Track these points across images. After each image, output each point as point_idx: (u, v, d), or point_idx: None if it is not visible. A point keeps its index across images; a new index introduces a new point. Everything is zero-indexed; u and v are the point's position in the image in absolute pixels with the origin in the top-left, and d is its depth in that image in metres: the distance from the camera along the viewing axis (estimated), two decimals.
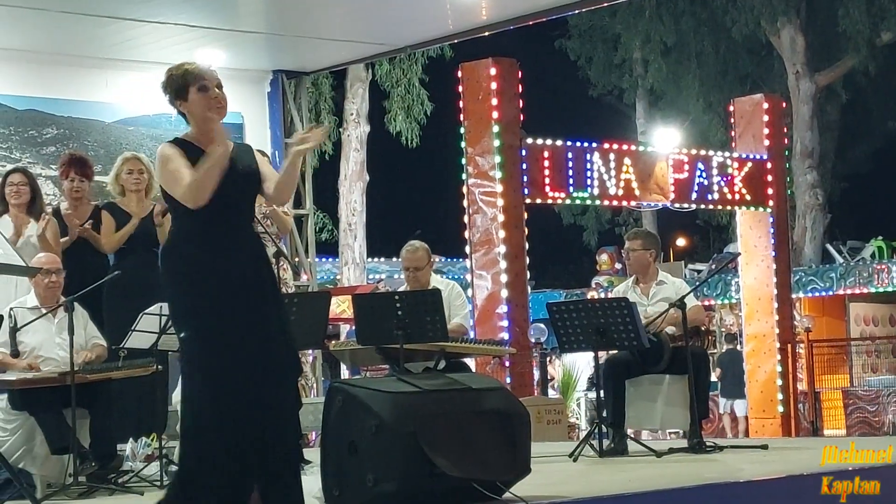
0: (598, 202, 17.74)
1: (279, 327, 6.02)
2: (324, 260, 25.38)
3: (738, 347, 21.30)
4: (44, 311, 8.57)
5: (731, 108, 19.11)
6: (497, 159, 14.93)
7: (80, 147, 13.18)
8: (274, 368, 5.92)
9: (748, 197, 17.94)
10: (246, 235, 6.06)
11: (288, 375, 6.08)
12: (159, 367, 8.49)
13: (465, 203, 15.16)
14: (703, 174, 17.47)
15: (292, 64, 15.13)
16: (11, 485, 7.68)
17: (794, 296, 20.49)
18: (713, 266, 25.78)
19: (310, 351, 14.24)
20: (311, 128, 6.09)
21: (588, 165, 16.14)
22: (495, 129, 14.97)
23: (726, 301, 24.76)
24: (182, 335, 5.97)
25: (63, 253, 9.30)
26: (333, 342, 11.71)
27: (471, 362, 11.23)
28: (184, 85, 6.00)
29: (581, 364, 20.24)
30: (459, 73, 15.45)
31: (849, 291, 24.57)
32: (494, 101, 14.99)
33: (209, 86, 6.00)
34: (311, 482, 6.52)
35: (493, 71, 15.05)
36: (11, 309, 8.54)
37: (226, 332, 5.84)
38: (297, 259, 14.66)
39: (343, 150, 24.48)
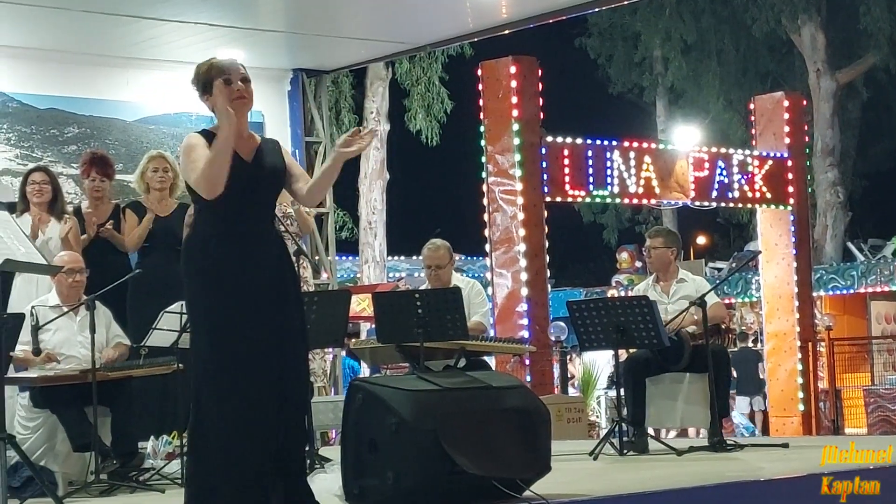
0: (618, 200, 17.72)
1: (299, 327, 6.03)
2: (344, 258, 25.42)
3: (756, 346, 21.28)
4: (65, 309, 8.61)
5: (752, 106, 19.07)
6: (517, 157, 14.92)
7: (101, 146, 13.22)
8: (292, 368, 5.93)
9: (769, 195, 17.90)
10: (268, 233, 6.06)
11: (304, 376, 6.09)
12: (180, 365, 8.51)
13: (485, 201, 15.16)
14: (724, 172, 17.43)
15: (312, 62, 15.15)
16: (33, 482, 7.70)
17: (814, 294, 20.44)
18: (734, 264, 25.74)
19: (329, 349, 14.26)
20: (357, 131, 6.04)
21: (608, 164, 16.12)
22: (515, 127, 14.96)
23: (747, 299, 24.72)
24: (196, 331, 5.99)
25: (84, 252, 9.33)
26: (354, 340, 11.73)
27: (491, 360, 11.24)
28: (209, 79, 6.03)
29: (601, 362, 20.23)
30: (479, 72, 15.44)
31: (870, 289, 24.50)
32: (514, 100, 14.98)
33: (232, 79, 6.01)
34: (332, 480, 6.53)
35: (513, 69, 15.04)
36: (33, 307, 8.57)
37: (244, 331, 5.84)
38: (317, 257, 14.68)
39: None
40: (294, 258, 9.93)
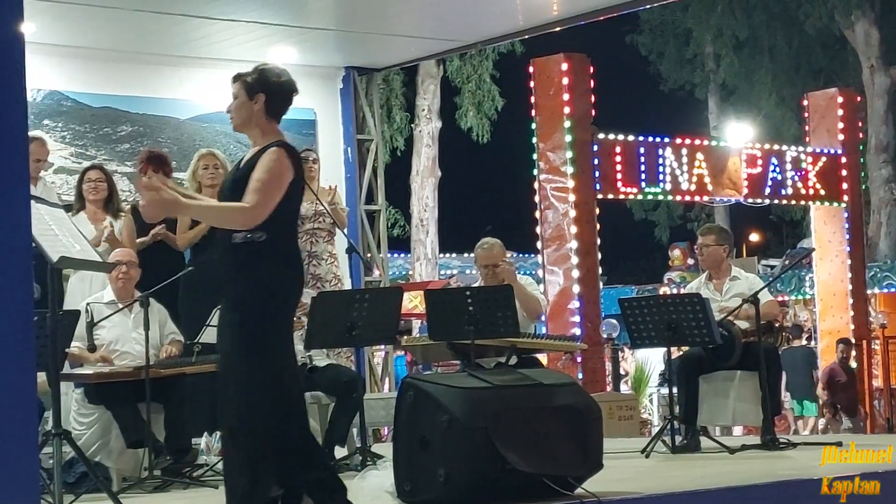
0: (670, 197, 17.68)
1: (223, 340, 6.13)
2: (396, 255, 25.45)
3: (809, 343, 21.18)
4: (120, 305, 8.68)
5: (805, 103, 18.98)
6: (568, 155, 14.91)
7: (154, 144, 13.28)
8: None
9: (822, 192, 17.82)
10: (221, 245, 6.13)
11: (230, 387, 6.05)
12: None
13: (537, 199, 15.16)
14: (777, 169, 17.37)
15: (364, 60, 15.17)
16: (88, 478, 7.76)
17: (868, 291, 20.31)
18: (787, 261, 25.59)
19: (381, 346, 14.29)
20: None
21: (660, 160, 16.09)
22: (567, 124, 14.95)
23: (800, 297, 24.58)
24: None
25: (139, 251, 9.40)
26: (405, 337, 11.75)
27: (542, 358, 11.23)
28: None
29: (654, 360, 20.16)
30: (530, 69, 15.44)
31: None
32: (566, 97, 14.97)
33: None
34: (383, 477, 6.55)
35: (564, 66, 15.03)
36: (88, 304, 8.64)
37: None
38: (369, 255, 14.71)
39: (415, 146, 24.55)
40: (346, 255, 10.03)
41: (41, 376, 7.54)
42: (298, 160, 6.11)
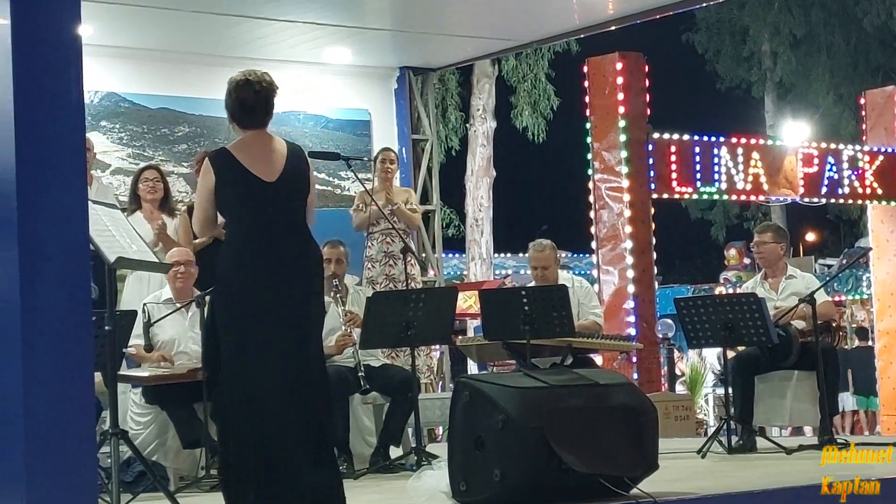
0: (725, 197, 17.58)
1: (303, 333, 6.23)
2: (451, 255, 25.46)
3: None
4: (177, 305, 8.73)
5: (863, 101, 18.82)
6: (623, 154, 14.86)
7: (211, 145, 13.37)
8: (297, 370, 6.12)
9: (880, 191, 17.66)
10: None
11: (310, 378, 6.14)
12: None
13: (592, 198, 15.12)
14: (834, 168, 17.23)
15: (419, 60, 15.20)
16: (145, 477, 7.81)
17: None
18: (844, 261, 25.41)
19: (436, 346, 14.31)
20: None
21: (715, 160, 16.00)
22: (622, 123, 14.90)
23: (857, 296, 24.41)
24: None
25: (197, 251, 9.45)
26: (460, 337, 11.76)
27: (598, 358, 11.22)
28: None
29: (710, 359, 20.07)
30: (585, 68, 15.39)
31: None
32: (621, 96, 14.92)
33: None
34: (438, 477, 6.56)
35: (619, 65, 14.98)
36: (145, 304, 8.70)
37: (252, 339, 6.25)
38: (424, 254, 14.73)
39: (470, 145, 24.54)
40: (402, 255, 10.07)
41: (98, 376, 7.62)
42: (221, 160, 6.56)
